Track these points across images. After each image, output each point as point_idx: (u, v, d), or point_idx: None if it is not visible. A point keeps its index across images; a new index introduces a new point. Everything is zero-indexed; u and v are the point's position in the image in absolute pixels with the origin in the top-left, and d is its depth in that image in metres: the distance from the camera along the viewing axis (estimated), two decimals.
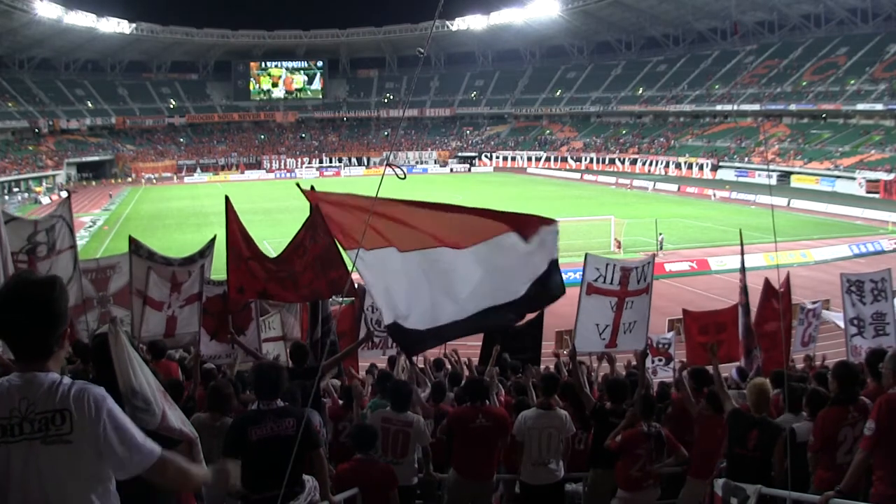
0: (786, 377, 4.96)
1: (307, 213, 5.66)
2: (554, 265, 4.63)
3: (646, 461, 4.75)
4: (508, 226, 4.60)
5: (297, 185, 5.00)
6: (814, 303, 9.62)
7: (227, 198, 6.27)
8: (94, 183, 66.26)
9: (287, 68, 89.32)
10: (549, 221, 4.66)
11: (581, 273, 5.80)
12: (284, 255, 6.12)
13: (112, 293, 8.31)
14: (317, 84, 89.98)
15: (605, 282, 5.52)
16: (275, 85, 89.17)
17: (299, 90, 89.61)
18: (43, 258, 6.53)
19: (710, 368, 5.52)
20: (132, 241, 7.60)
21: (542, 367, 8.69)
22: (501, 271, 4.63)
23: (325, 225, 5.47)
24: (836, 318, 9.29)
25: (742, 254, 8.38)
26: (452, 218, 4.74)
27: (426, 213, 4.63)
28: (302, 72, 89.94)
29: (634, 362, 6.68)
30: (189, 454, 2.89)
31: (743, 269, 7.90)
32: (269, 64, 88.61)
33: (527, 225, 4.63)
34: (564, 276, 4.71)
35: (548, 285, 4.61)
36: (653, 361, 9.32)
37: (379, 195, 4.01)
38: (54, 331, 2.01)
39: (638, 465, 4.75)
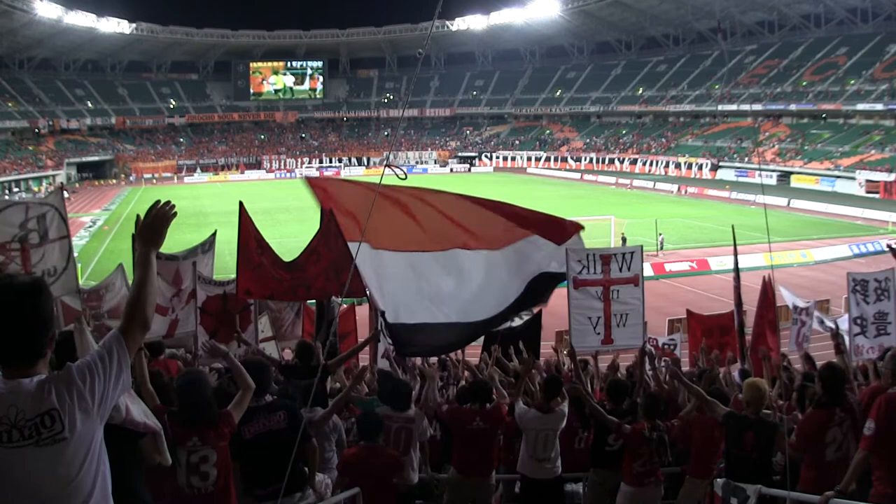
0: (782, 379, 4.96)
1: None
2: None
3: (647, 459, 4.85)
4: (534, 230, 4.58)
5: (306, 177, 5.02)
6: (806, 302, 9.57)
7: (241, 203, 6.34)
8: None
9: (287, 68, 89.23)
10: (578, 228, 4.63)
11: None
12: (300, 261, 6.16)
13: (106, 310, 8.34)
14: (311, 83, 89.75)
15: (588, 272, 5.56)
16: (274, 85, 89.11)
17: (299, 90, 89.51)
18: (36, 245, 6.49)
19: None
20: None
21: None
22: (516, 272, 4.62)
23: (337, 231, 5.51)
24: (829, 322, 9.12)
25: (735, 254, 8.16)
26: (471, 215, 4.70)
27: (444, 205, 4.57)
28: (301, 71, 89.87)
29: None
30: (154, 445, 2.91)
31: (736, 269, 7.79)
32: (269, 64, 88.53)
33: (555, 230, 4.61)
34: None
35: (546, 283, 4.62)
36: (661, 363, 9.27)
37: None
38: (41, 334, 1.98)
39: (640, 462, 4.86)
